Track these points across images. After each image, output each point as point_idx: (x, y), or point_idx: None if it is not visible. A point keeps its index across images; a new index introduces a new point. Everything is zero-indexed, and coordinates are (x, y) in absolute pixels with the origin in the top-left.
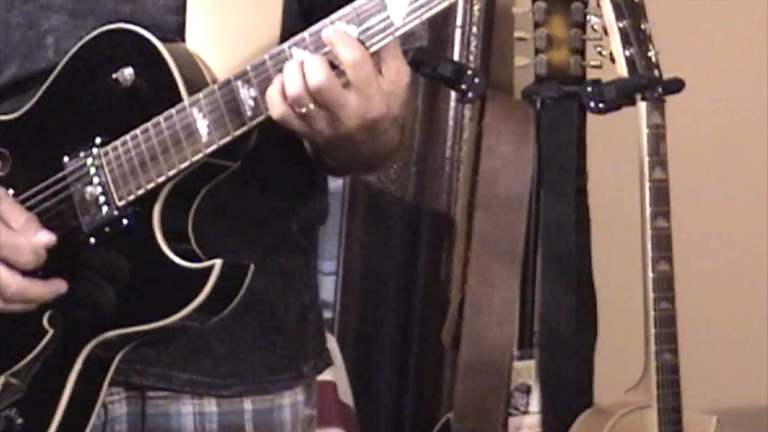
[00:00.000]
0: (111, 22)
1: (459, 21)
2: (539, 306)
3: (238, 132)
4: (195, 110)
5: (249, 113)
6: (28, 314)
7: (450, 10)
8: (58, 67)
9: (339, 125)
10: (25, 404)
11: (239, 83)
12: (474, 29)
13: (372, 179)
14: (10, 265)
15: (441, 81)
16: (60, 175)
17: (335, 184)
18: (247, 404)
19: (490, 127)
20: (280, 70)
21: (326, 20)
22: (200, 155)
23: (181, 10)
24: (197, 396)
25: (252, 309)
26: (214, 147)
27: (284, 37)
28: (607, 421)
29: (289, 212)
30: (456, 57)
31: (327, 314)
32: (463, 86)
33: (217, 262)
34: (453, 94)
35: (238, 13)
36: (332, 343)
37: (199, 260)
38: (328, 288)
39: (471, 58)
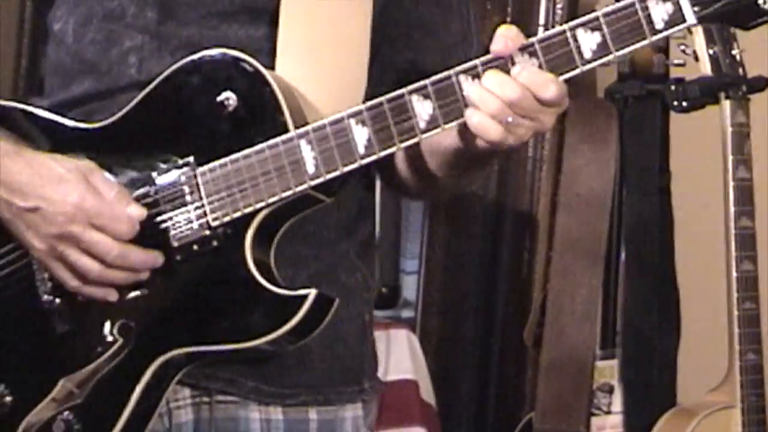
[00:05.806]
0: (195, 47)
1: (542, 20)
2: (622, 305)
3: (347, 168)
4: (303, 142)
5: (362, 151)
6: (94, 321)
7: (532, 9)
8: (152, 85)
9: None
10: (85, 410)
11: (352, 121)
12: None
13: None
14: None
15: None
16: (150, 189)
17: None
18: (312, 414)
19: (573, 125)
20: (397, 114)
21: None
22: (304, 186)
23: (270, 38)
24: (263, 403)
25: None
26: (320, 180)
27: (372, 62)
28: (690, 421)
29: (350, 234)
30: None
31: (409, 313)
32: None
33: (312, 292)
34: None
35: (328, 46)
36: (414, 341)
37: (281, 285)
38: (410, 287)
39: None
